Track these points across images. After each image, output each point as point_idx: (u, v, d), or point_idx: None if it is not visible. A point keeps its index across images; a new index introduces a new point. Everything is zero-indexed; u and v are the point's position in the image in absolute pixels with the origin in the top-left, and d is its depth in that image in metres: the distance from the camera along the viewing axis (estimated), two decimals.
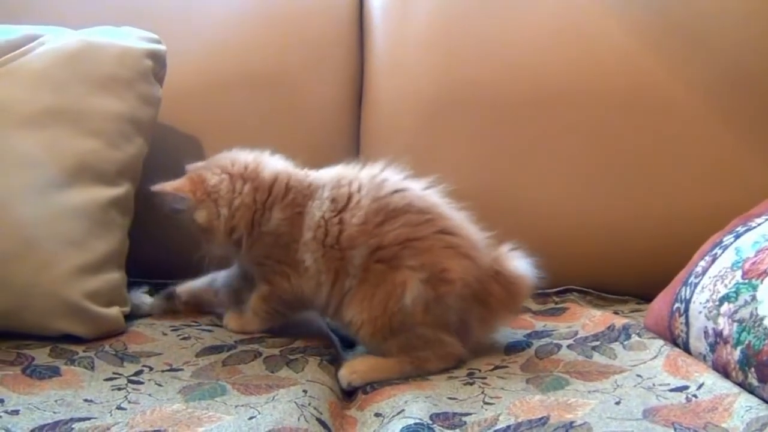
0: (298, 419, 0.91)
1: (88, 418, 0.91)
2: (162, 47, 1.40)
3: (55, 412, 0.93)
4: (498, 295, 1.14)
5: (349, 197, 1.14)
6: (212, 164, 1.23)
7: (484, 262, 1.13)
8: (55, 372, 1.06)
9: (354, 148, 1.58)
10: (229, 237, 1.18)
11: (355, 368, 1.10)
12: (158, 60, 1.39)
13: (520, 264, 1.15)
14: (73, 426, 0.89)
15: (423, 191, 1.17)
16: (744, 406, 0.90)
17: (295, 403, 0.95)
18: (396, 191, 1.14)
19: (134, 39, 1.38)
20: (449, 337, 1.11)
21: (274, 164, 1.23)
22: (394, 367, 1.10)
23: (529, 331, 1.26)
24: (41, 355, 1.11)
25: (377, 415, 0.97)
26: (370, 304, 1.10)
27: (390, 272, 1.09)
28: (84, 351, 1.14)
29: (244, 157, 1.23)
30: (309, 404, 0.95)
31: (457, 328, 1.12)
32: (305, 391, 0.99)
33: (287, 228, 1.16)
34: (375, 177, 1.16)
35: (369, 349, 1.15)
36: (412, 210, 1.12)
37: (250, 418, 0.90)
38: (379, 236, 1.10)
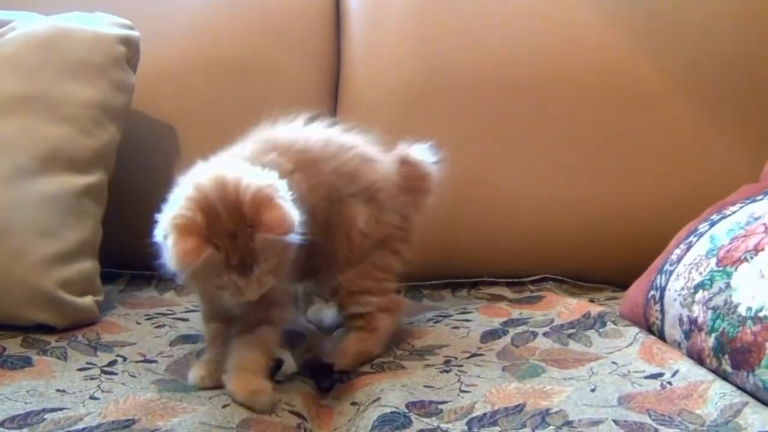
0: (270, 415, 0.90)
1: (61, 409, 0.90)
2: (135, 33, 1.38)
3: (26, 403, 0.92)
4: (415, 177, 1.20)
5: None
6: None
7: (392, 159, 1.20)
8: (27, 362, 1.04)
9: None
10: None
11: (346, 351, 1.12)
12: (131, 46, 1.37)
13: (416, 149, 1.22)
14: (45, 416, 0.88)
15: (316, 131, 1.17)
16: (718, 392, 0.90)
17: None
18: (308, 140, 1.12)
19: (107, 25, 1.36)
20: (392, 283, 1.18)
21: None
22: (360, 343, 1.13)
23: (505, 319, 1.26)
24: (13, 345, 1.10)
25: (353, 403, 0.97)
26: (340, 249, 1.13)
27: (339, 209, 1.11)
28: (57, 341, 1.12)
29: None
30: (280, 400, 0.95)
31: (403, 226, 1.18)
32: (277, 382, 0.99)
33: None
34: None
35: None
36: (326, 149, 1.13)
37: (224, 407, 0.90)
38: (319, 177, 1.09)
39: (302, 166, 1.06)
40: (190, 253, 0.89)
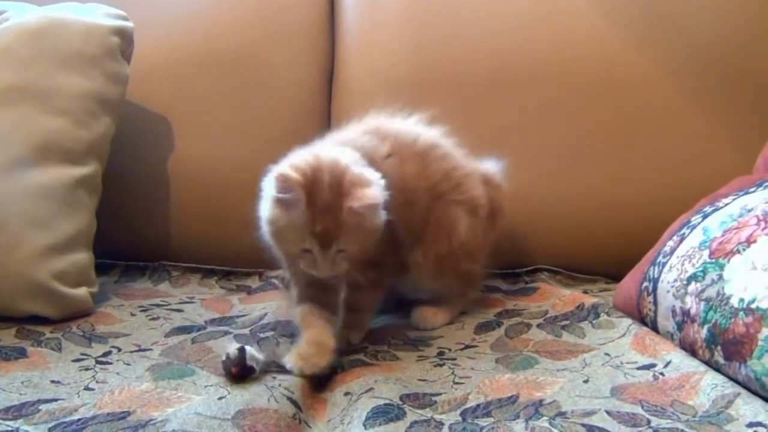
0: (268, 400, 0.90)
1: (55, 399, 0.91)
2: (129, 24, 1.38)
3: (21, 394, 0.92)
4: (496, 203, 1.27)
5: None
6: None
7: (479, 178, 1.27)
8: (21, 353, 1.04)
9: (324, 129, 1.57)
10: None
11: (434, 312, 1.22)
12: (125, 37, 1.37)
13: (494, 168, 1.31)
14: (39, 407, 0.88)
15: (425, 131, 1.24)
16: (710, 383, 0.91)
17: (265, 384, 0.94)
18: (417, 137, 1.21)
19: (100, 16, 1.35)
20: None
21: None
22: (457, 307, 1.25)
23: (499, 311, 1.27)
24: (7, 337, 1.10)
25: (346, 394, 0.97)
26: (434, 244, 1.19)
27: (443, 210, 1.19)
28: (51, 332, 1.13)
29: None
30: (279, 385, 0.95)
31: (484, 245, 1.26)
32: (274, 376, 0.99)
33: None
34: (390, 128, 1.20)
35: (420, 289, 1.24)
36: (435, 149, 1.21)
37: (220, 398, 0.90)
38: (427, 178, 1.18)
39: (408, 156, 1.16)
40: (285, 179, 0.99)
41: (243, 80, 1.53)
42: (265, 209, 1.04)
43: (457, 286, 1.24)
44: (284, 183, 0.99)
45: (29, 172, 1.20)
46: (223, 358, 0.97)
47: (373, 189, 1.00)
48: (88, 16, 1.34)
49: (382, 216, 1.03)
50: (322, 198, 1.00)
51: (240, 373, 0.96)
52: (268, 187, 1.03)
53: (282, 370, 1.00)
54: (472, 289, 1.29)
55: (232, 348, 0.97)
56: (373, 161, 1.09)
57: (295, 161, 1.04)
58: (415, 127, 1.24)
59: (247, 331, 1.16)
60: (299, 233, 1.01)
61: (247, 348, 0.98)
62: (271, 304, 1.28)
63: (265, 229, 1.05)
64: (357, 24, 1.60)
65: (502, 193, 1.29)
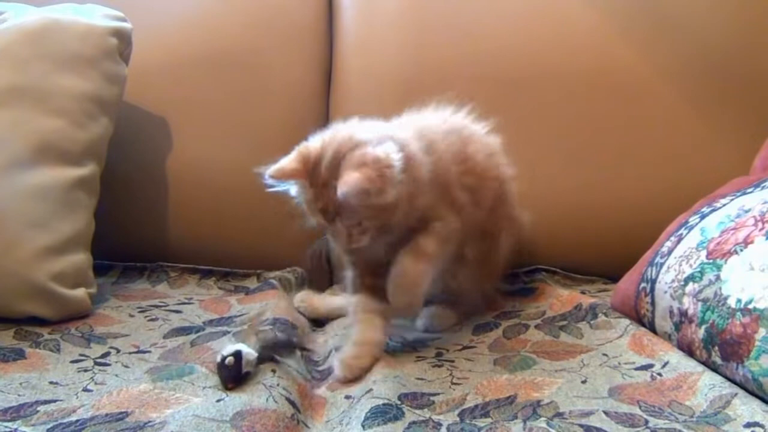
0: (266, 400, 0.90)
1: (54, 401, 0.91)
2: (127, 25, 1.38)
3: (19, 395, 0.92)
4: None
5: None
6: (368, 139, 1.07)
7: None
8: (19, 354, 1.04)
9: (322, 130, 1.57)
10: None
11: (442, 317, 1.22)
12: (123, 38, 1.37)
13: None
14: (38, 408, 0.88)
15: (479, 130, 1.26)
16: (708, 384, 0.91)
17: (263, 384, 0.94)
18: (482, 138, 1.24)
19: (98, 17, 1.36)
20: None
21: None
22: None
23: (497, 312, 1.27)
24: (5, 338, 1.10)
25: (347, 397, 0.97)
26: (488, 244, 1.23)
27: (508, 213, 1.26)
28: (49, 333, 1.13)
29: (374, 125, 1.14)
30: (278, 385, 0.95)
31: None
32: (273, 371, 0.99)
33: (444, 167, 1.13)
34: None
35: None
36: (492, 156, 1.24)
37: (218, 401, 0.90)
38: (498, 180, 1.23)
39: (450, 147, 1.15)
40: (282, 168, 1.03)
41: (241, 81, 1.53)
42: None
43: (479, 292, 1.27)
44: (280, 175, 1.03)
45: (27, 173, 1.20)
46: (218, 359, 0.96)
47: (362, 172, 0.98)
48: (86, 18, 1.34)
49: (387, 194, 1.00)
50: (321, 177, 1.02)
51: (236, 385, 0.95)
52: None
53: (282, 354, 1.03)
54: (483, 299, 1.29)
55: (227, 353, 0.96)
56: (432, 141, 1.12)
57: (310, 142, 1.07)
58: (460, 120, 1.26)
59: (246, 327, 1.16)
60: (311, 210, 1.04)
61: (242, 352, 0.97)
62: (269, 303, 1.28)
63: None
64: (355, 25, 1.61)
65: None
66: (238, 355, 0.96)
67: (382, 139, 1.04)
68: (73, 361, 1.03)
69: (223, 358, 0.96)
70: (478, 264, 1.22)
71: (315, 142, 1.06)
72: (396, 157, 1.01)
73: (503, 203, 1.25)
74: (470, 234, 1.17)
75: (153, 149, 1.49)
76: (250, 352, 0.98)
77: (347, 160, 1.01)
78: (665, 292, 1.09)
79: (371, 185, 0.98)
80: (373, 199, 0.99)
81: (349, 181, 0.97)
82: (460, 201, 1.14)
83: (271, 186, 1.05)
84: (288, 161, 1.04)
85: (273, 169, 1.03)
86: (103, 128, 1.32)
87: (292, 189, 1.06)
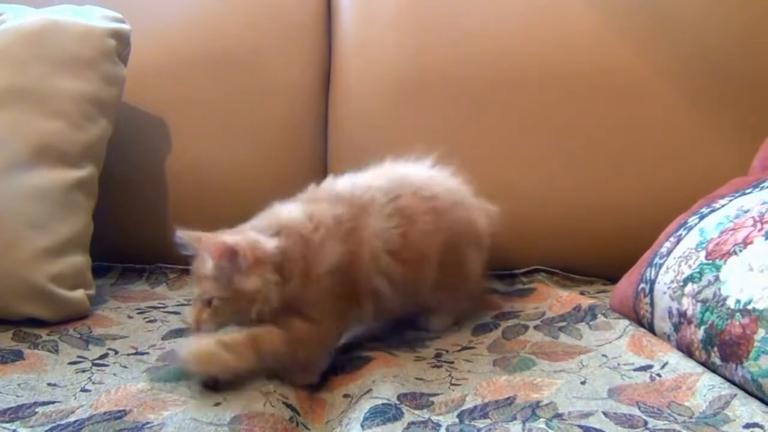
0: (264, 405, 0.90)
1: (52, 402, 0.90)
2: (126, 26, 1.38)
3: (18, 396, 0.92)
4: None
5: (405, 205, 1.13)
6: (256, 226, 1.06)
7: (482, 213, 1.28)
8: (18, 356, 1.04)
9: (322, 130, 1.57)
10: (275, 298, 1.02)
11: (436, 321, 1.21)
12: (122, 39, 1.37)
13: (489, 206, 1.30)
14: (36, 410, 0.88)
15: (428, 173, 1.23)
16: (707, 384, 0.91)
17: (260, 391, 0.94)
18: (422, 188, 1.17)
19: (97, 18, 1.36)
20: None
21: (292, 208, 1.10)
22: None
23: (496, 312, 1.27)
24: (4, 339, 1.10)
25: (346, 396, 0.97)
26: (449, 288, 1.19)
27: (457, 254, 1.19)
28: (48, 334, 1.12)
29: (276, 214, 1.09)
30: (275, 391, 0.94)
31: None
32: (269, 379, 0.98)
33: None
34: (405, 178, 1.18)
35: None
36: (442, 196, 1.19)
37: (216, 404, 0.89)
38: (446, 230, 1.16)
39: (419, 213, 1.13)
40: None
41: (240, 82, 1.53)
42: None
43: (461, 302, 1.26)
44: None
45: (26, 174, 1.20)
46: None
47: (235, 240, 0.98)
48: (85, 19, 1.34)
49: (249, 279, 0.98)
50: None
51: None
52: None
53: None
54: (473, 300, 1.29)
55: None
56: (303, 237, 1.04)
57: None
58: (427, 178, 1.21)
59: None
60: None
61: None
62: None
63: None
64: (354, 25, 1.61)
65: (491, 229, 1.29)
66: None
67: (273, 232, 1.03)
68: (71, 363, 1.03)
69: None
70: (444, 279, 1.18)
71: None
72: (272, 250, 1.00)
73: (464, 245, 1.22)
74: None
75: (152, 150, 1.49)
76: None
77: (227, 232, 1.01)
78: (664, 292, 1.09)
79: (238, 255, 0.97)
80: (233, 273, 0.98)
81: (217, 242, 0.98)
82: (377, 289, 1.09)
83: None
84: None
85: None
86: (102, 129, 1.32)
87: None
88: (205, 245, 0.99)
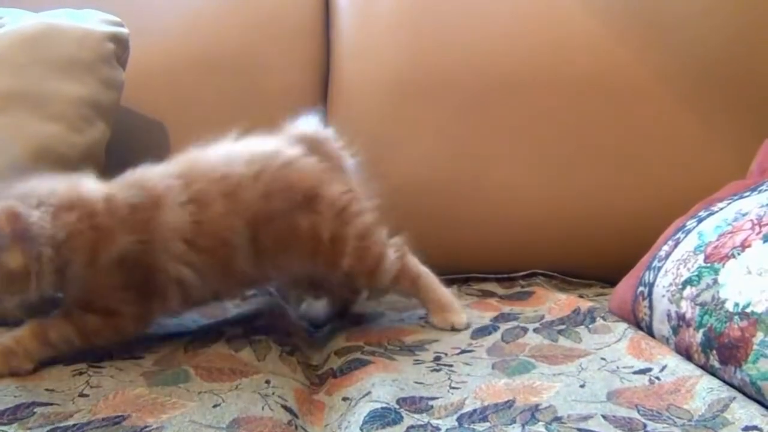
0: (263, 408, 0.90)
1: (50, 404, 0.90)
2: (124, 30, 1.38)
3: (15, 396, 0.91)
4: (327, 152, 1.19)
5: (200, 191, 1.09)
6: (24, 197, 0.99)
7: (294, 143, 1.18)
8: None
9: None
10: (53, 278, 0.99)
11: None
12: (120, 43, 1.37)
13: (305, 124, 1.21)
14: (35, 410, 0.88)
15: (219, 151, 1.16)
16: (706, 387, 0.91)
17: (259, 393, 0.94)
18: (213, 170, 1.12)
19: (96, 22, 1.36)
20: None
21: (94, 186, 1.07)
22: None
23: (495, 315, 1.26)
24: None
25: (345, 399, 0.96)
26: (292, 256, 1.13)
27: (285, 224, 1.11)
28: None
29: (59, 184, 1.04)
30: (273, 393, 0.94)
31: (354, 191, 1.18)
32: (268, 382, 0.98)
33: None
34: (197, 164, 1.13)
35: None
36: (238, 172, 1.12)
37: (215, 406, 0.89)
38: (248, 207, 1.10)
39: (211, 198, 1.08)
40: None
41: (238, 84, 1.53)
42: None
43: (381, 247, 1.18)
44: None
45: (24, 178, 1.20)
46: None
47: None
48: (83, 23, 1.34)
49: (11, 256, 0.94)
50: None
51: None
52: None
53: None
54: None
55: None
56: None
57: None
58: (221, 157, 1.14)
59: (240, 330, 1.16)
60: None
61: None
62: (262, 309, 1.28)
63: None
64: (352, 27, 1.61)
65: (327, 142, 1.20)
66: None
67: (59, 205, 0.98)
68: (66, 365, 1.02)
69: None
70: (277, 255, 1.13)
71: None
72: (39, 221, 0.95)
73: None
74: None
75: (150, 154, 1.48)
76: None
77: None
78: (663, 295, 1.09)
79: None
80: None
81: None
82: (181, 278, 1.06)
83: None
84: None
85: None
86: (101, 133, 1.32)
87: None
88: None
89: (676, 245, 1.14)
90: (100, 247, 1.01)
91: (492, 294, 1.40)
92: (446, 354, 1.11)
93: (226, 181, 1.10)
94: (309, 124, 1.20)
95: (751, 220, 1.03)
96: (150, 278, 1.05)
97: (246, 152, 1.14)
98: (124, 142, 1.41)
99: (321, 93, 1.59)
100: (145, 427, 0.84)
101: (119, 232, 1.02)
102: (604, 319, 1.17)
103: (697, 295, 1.02)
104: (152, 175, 1.10)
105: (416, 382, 1.00)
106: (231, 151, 1.15)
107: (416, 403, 0.93)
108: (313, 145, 1.17)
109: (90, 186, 1.05)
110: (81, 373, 1.00)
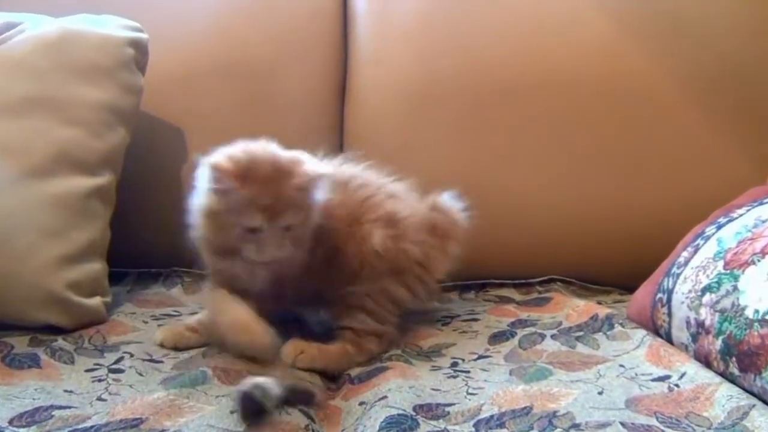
0: (280, 413, 0.90)
1: (69, 407, 0.91)
2: (144, 36, 1.39)
3: (34, 399, 0.92)
4: (443, 223, 1.23)
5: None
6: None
7: (420, 201, 1.25)
8: (34, 361, 1.04)
9: (337, 139, 1.57)
10: None
11: (302, 348, 1.10)
12: (140, 48, 1.38)
13: (446, 197, 1.26)
14: (53, 413, 0.89)
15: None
16: (725, 395, 0.90)
17: None
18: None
19: (115, 27, 1.37)
20: (393, 316, 1.18)
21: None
22: (340, 355, 1.12)
23: (512, 321, 1.26)
24: (21, 345, 1.09)
25: (361, 404, 0.96)
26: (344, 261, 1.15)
27: (357, 230, 1.16)
28: (64, 340, 1.12)
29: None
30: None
31: (424, 263, 1.20)
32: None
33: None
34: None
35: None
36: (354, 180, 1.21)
37: (232, 412, 0.89)
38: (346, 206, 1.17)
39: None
40: (220, 169, 1.03)
41: (256, 92, 1.54)
42: (201, 200, 1.08)
43: (379, 315, 1.17)
44: (219, 173, 1.03)
45: (44, 182, 1.20)
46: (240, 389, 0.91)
47: (311, 164, 1.08)
48: (103, 28, 1.35)
49: (323, 194, 1.09)
50: (263, 176, 1.04)
51: (255, 420, 0.90)
52: (203, 179, 1.07)
53: (303, 398, 0.97)
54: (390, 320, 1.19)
55: (249, 386, 0.91)
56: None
57: (229, 150, 1.08)
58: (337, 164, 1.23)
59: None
60: (242, 214, 1.03)
61: (266, 384, 0.91)
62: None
63: (201, 221, 1.09)
64: (369, 37, 1.61)
65: (453, 218, 1.25)
66: (259, 388, 0.90)
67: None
68: (87, 370, 1.03)
69: (245, 393, 0.90)
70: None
71: (237, 152, 1.08)
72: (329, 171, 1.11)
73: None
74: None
75: (168, 159, 1.50)
76: (273, 387, 0.91)
77: (287, 159, 1.08)
78: (682, 302, 1.09)
79: (322, 173, 1.08)
80: (318, 192, 1.08)
81: (307, 172, 1.06)
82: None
83: (196, 179, 1.09)
84: (226, 161, 1.05)
85: (214, 164, 1.04)
86: (120, 138, 1.32)
87: (215, 196, 1.05)
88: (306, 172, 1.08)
89: (695, 252, 1.13)
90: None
91: (509, 300, 1.40)
92: (463, 360, 1.11)
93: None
94: (449, 200, 1.26)
95: None
96: None
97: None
98: (142, 147, 1.42)
99: (338, 100, 1.59)
100: (163, 430, 0.85)
101: None
102: (623, 326, 1.16)
103: (717, 302, 1.02)
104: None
105: (433, 389, 0.99)
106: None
107: (433, 410, 0.93)
108: (439, 218, 1.25)
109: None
110: (100, 380, 1.00)
